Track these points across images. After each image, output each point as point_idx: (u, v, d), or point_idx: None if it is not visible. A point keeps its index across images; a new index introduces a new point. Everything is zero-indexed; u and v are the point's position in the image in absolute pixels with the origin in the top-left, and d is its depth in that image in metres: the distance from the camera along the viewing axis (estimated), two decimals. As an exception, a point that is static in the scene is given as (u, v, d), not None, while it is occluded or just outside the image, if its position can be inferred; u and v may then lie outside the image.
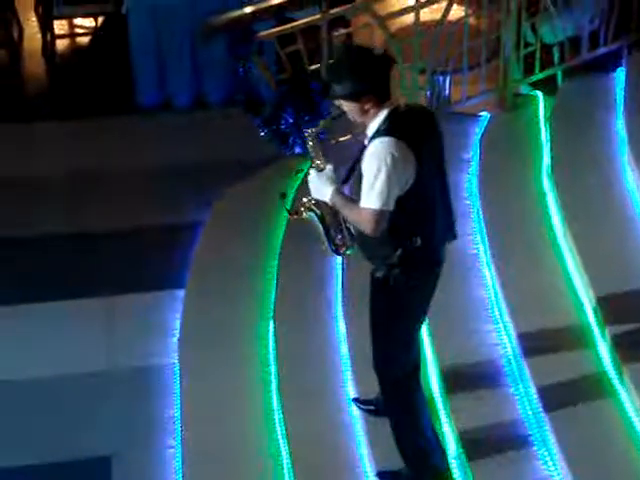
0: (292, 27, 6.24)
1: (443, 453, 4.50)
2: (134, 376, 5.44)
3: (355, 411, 4.87)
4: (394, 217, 3.97)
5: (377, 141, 3.94)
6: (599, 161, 5.88)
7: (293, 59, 6.27)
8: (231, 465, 4.83)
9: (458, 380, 4.75)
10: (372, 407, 4.72)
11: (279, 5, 6.59)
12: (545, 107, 6.52)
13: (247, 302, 5.71)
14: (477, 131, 6.41)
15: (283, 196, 4.38)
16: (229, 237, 6.20)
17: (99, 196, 6.72)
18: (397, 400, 4.36)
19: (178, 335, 5.60)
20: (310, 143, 4.16)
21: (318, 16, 6.19)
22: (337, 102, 4.06)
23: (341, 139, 6.00)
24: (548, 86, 6.66)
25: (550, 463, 4.43)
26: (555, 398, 4.54)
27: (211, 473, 4.81)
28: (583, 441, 4.39)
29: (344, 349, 5.19)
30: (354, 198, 4.07)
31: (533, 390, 4.63)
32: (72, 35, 8.35)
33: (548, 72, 6.64)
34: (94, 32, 8.31)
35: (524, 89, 6.69)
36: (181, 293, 5.84)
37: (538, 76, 6.63)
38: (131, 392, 5.35)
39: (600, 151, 5.96)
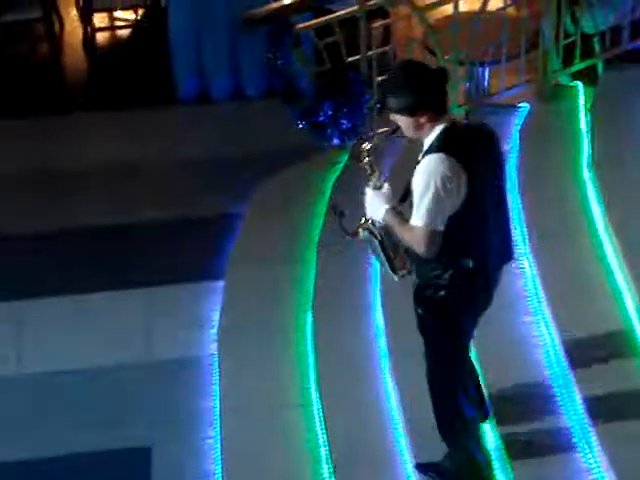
0: (330, 19, 6.23)
1: (485, 449, 4.45)
2: (173, 367, 5.47)
3: (394, 404, 4.87)
4: (445, 237, 3.90)
5: (428, 157, 3.87)
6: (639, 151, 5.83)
7: (331, 51, 6.26)
8: (268, 456, 4.85)
9: (499, 374, 4.71)
10: None
11: (317, -4, 6.57)
12: (585, 98, 6.47)
13: (286, 293, 5.73)
14: (516, 122, 6.38)
15: (342, 214, 4.20)
16: (268, 228, 6.21)
17: (139, 187, 6.77)
18: (447, 408, 4.30)
19: (217, 326, 5.62)
20: (366, 159, 4.11)
21: (356, 7, 6.17)
22: (392, 117, 3.98)
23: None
24: (588, 77, 6.61)
25: (593, 464, 4.38)
26: (599, 402, 4.48)
27: (249, 465, 4.83)
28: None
29: (382, 341, 5.19)
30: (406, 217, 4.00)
31: (577, 395, 4.58)
32: (112, 28, 8.41)
33: (588, 62, 6.59)
34: (134, 24, 8.36)
35: (564, 80, 6.64)
36: (220, 284, 5.87)
37: (578, 66, 6.57)
38: (170, 383, 5.38)
39: (641, 142, 5.91)
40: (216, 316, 5.70)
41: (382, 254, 4.14)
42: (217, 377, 5.34)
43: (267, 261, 5.92)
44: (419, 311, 4.18)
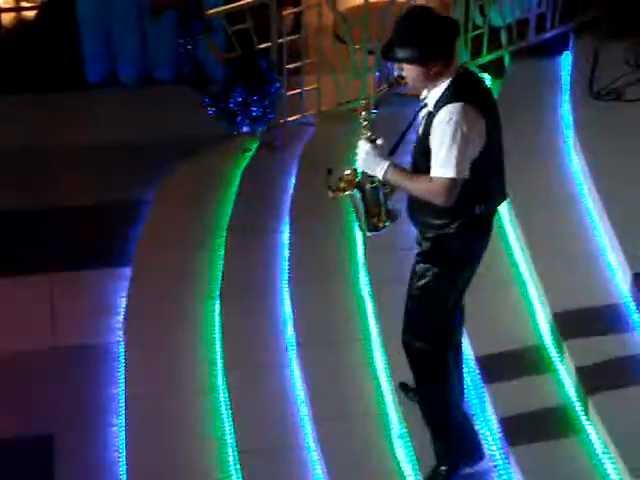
0: (241, 5, 6.20)
1: (477, 437, 4.39)
2: (78, 354, 5.41)
3: (300, 392, 4.89)
4: (462, 186, 3.85)
5: (450, 107, 3.79)
6: (544, 145, 5.94)
7: (242, 37, 6.24)
8: (174, 445, 4.83)
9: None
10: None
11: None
12: (492, 89, 6.55)
13: (194, 280, 5.70)
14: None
15: (329, 171, 4.08)
16: (176, 214, 6.18)
17: (45, 172, 6.66)
18: (429, 371, 4.23)
19: (123, 313, 5.57)
20: (362, 113, 3.99)
21: (267, -6, 6.15)
22: (397, 65, 3.90)
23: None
24: (495, 69, 6.71)
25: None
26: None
27: (154, 453, 4.80)
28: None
29: (289, 328, 5.21)
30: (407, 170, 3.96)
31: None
32: (18, 9, 8.23)
33: (495, 55, 6.69)
34: (40, 6, 8.19)
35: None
36: (127, 271, 5.82)
37: (486, 59, 6.67)
38: (75, 371, 5.32)
39: (546, 135, 6.02)
40: (123, 303, 5.64)
41: (363, 210, 4.08)
42: (122, 364, 5.30)
43: (175, 247, 5.89)
44: (418, 265, 4.09)
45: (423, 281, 4.09)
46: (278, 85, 6.29)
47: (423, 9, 3.96)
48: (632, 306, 4.86)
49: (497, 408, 4.53)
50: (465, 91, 3.85)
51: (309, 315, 5.20)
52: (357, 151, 4.01)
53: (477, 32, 6.58)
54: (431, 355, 4.20)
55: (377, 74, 6.53)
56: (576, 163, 5.74)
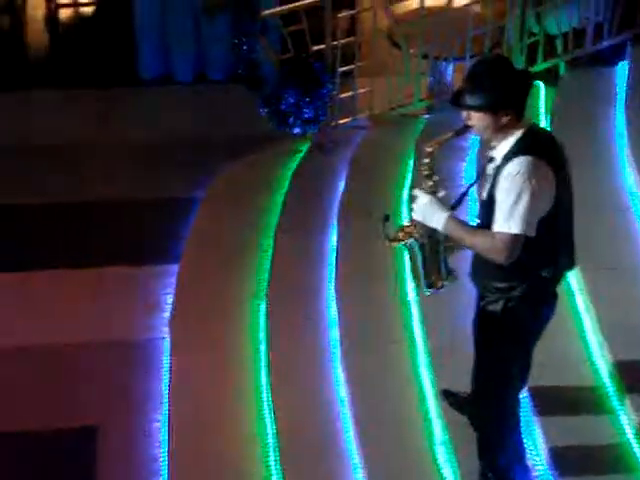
0: (296, 6, 6.22)
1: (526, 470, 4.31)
2: (124, 350, 5.44)
3: (343, 394, 4.88)
4: (527, 245, 3.69)
5: (518, 160, 3.65)
6: (597, 155, 5.89)
7: (296, 39, 6.25)
8: (216, 442, 4.84)
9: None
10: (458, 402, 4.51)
11: (285, -16, 6.56)
12: (546, 98, 6.52)
13: (241, 279, 5.72)
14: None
15: (387, 219, 3.89)
16: (226, 213, 6.21)
17: (97, 167, 6.72)
18: (495, 423, 4.13)
19: (170, 310, 5.60)
20: (426, 160, 3.82)
21: (323, -4, 6.16)
22: (466, 114, 3.73)
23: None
24: (550, 77, 6.66)
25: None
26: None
27: (196, 451, 4.82)
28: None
29: (335, 330, 5.21)
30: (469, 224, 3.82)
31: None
32: (76, 4, 8.33)
33: (551, 63, 6.64)
34: (98, 2, 8.28)
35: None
36: (175, 268, 5.85)
37: (541, 66, 6.63)
38: (121, 365, 5.35)
39: (599, 145, 5.97)
40: (170, 300, 5.67)
41: (421, 265, 3.91)
42: (167, 360, 5.33)
43: (223, 246, 5.92)
44: (483, 322, 3.97)
45: (487, 346, 3.98)
46: (331, 87, 6.30)
47: (499, 57, 3.88)
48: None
49: (547, 441, 4.42)
50: (536, 145, 3.71)
51: (354, 317, 5.19)
52: (415, 202, 3.84)
53: (533, 39, 6.54)
54: (495, 415, 4.13)
55: (430, 79, 6.51)
56: (630, 176, 5.68)
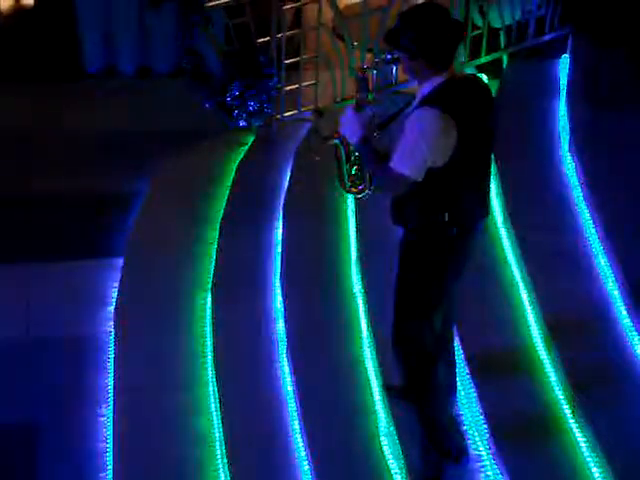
0: (241, -1, 6.20)
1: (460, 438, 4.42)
2: (69, 343, 5.40)
3: (290, 386, 4.89)
4: (425, 188, 3.88)
5: (424, 109, 3.80)
6: (541, 146, 5.95)
7: (241, 31, 6.24)
8: (162, 437, 4.82)
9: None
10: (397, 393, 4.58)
11: (229, -24, 6.53)
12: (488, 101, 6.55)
13: (186, 272, 5.70)
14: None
15: (320, 114, 4.18)
16: (169, 207, 6.18)
17: (38, 160, 6.66)
18: (421, 374, 4.24)
19: (114, 304, 5.57)
20: (361, 76, 3.99)
21: (268, -11, 6.15)
22: (395, 51, 3.91)
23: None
24: (494, 70, 6.72)
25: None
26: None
27: (142, 444, 4.80)
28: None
29: (280, 323, 5.21)
30: (379, 151, 3.96)
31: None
32: (17, -4, 8.23)
33: (494, 56, 6.70)
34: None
35: (470, 72, 6.73)
36: (120, 262, 5.81)
37: (484, 59, 6.68)
38: (65, 360, 5.31)
39: (542, 137, 6.03)
40: (114, 294, 5.64)
41: (343, 167, 4.11)
42: (112, 355, 5.29)
43: (168, 239, 5.89)
44: (400, 257, 4.15)
45: (404, 273, 4.13)
46: (276, 80, 6.29)
47: (437, 6, 3.94)
48: (623, 310, 4.87)
49: (485, 408, 4.53)
50: (448, 98, 3.82)
51: (300, 311, 5.20)
52: (343, 112, 4.00)
53: (476, 33, 6.59)
54: (419, 357, 4.21)
55: (374, 72, 6.52)
56: (571, 165, 5.75)
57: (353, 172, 4.14)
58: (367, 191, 4.16)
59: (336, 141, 4.09)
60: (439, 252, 4.07)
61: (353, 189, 4.17)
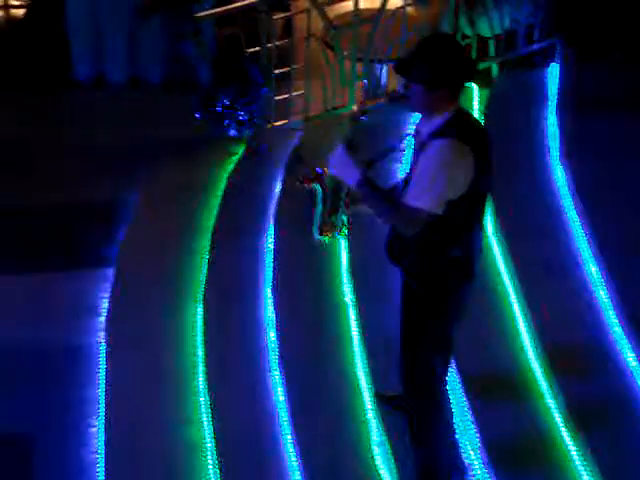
0: (231, 9, 6.22)
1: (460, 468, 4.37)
2: (60, 354, 5.38)
3: (281, 397, 4.89)
4: (438, 223, 3.78)
5: (442, 141, 3.72)
6: (530, 155, 5.97)
7: (231, 41, 6.25)
8: (154, 447, 4.81)
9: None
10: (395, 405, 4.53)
11: (219, -14, 6.56)
12: (480, 99, 6.59)
13: (177, 282, 5.70)
14: (411, 121, 6.45)
15: (300, 159, 4.08)
16: (160, 217, 6.17)
17: (30, 170, 6.64)
18: (426, 403, 4.18)
19: (105, 314, 5.56)
20: (352, 118, 3.94)
21: (258, -1, 6.17)
22: (407, 85, 3.80)
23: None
24: (483, 78, 6.74)
25: None
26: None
27: (133, 455, 4.79)
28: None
29: (271, 333, 5.21)
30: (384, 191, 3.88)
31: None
32: (6, 7, 8.22)
33: (483, 65, 6.72)
34: (29, 4, 8.18)
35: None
36: (110, 272, 5.80)
37: (473, 68, 6.69)
38: (56, 371, 5.30)
39: (531, 145, 6.05)
40: (105, 304, 5.63)
41: (319, 210, 4.02)
42: (103, 365, 5.28)
43: (158, 249, 5.89)
44: (404, 294, 4.07)
45: (408, 313, 4.07)
46: (266, 90, 6.31)
47: (450, 37, 3.94)
48: (614, 318, 4.88)
49: (481, 428, 4.50)
50: (463, 129, 3.77)
51: (291, 320, 5.20)
52: (332, 153, 3.90)
53: (465, 42, 6.61)
54: (426, 392, 4.17)
55: (365, 82, 6.54)
56: (560, 174, 5.77)
57: (330, 219, 4.04)
58: (336, 235, 4.08)
59: (312, 186, 4.00)
60: (455, 290, 3.98)
61: (326, 234, 4.06)
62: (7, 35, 7.93)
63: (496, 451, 4.40)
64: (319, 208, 4.04)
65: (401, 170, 4.18)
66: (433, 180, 3.71)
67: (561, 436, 4.47)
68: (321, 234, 4.09)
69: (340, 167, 3.87)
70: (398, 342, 4.18)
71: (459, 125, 3.78)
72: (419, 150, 3.83)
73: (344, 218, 4.06)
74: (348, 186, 3.92)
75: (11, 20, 8.13)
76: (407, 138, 4.02)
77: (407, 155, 4.01)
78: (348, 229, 4.09)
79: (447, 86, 3.75)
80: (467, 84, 6.58)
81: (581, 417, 4.44)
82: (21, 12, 8.18)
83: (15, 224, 6.22)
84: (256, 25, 6.21)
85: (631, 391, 4.57)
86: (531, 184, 5.72)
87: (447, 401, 4.27)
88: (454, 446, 4.36)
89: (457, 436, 4.43)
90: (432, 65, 3.72)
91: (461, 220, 3.86)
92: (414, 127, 3.96)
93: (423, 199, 3.74)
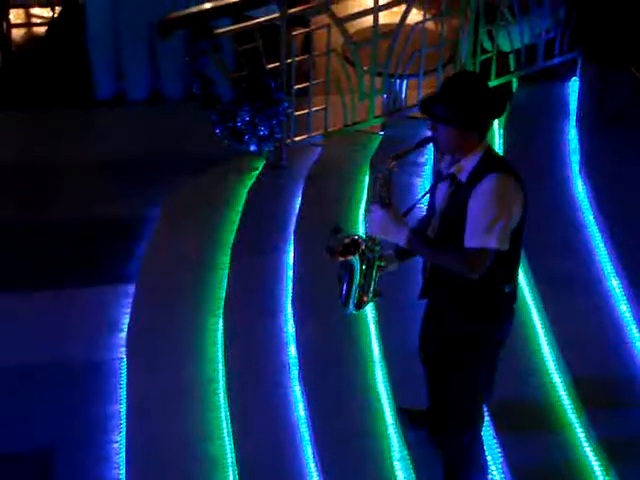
0: (250, 25, 6.23)
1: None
2: (81, 370, 5.40)
3: (302, 411, 4.88)
4: (499, 259, 3.68)
5: (494, 176, 3.65)
6: (551, 169, 5.95)
7: (251, 57, 6.26)
8: (175, 463, 4.81)
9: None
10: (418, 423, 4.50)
11: (238, 2, 6.57)
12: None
13: (198, 298, 5.70)
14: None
15: (337, 231, 3.80)
16: (181, 232, 6.18)
17: (51, 188, 6.67)
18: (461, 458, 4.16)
19: (126, 330, 5.57)
20: (380, 176, 3.76)
21: (277, 15, 6.18)
22: (432, 124, 3.73)
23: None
24: (503, 93, 6.71)
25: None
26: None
27: (154, 470, 4.79)
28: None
29: (291, 348, 5.20)
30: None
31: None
32: (28, 24, 8.28)
33: (503, 79, 6.71)
34: (50, 22, 8.24)
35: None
36: (131, 288, 5.81)
37: (493, 83, 6.68)
38: (78, 386, 5.31)
39: (552, 160, 6.03)
40: (126, 319, 5.64)
41: (356, 282, 3.84)
42: (124, 381, 5.29)
43: (179, 265, 5.89)
44: (442, 347, 3.94)
45: (452, 367, 3.96)
46: (286, 105, 6.31)
47: (477, 76, 3.89)
48: (636, 333, 4.85)
49: (506, 453, 4.45)
50: (501, 163, 3.74)
51: (312, 335, 5.19)
52: (371, 215, 3.77)
53: (485, 56, 6.60)
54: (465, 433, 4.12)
55: (384, 96, 6.54)
56: (582, 189, 5.74)
57: (370, 288, 3.87)
58: (370, 302, 3.95)
59: (353, 259, 3.78)
60: (502, 328, 3.90)
61: (363, 302, 3.93)
62: (29, 52, 7.98)
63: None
64: (357, 281, 3.85)
65: (419, 193, 4.05)
66: (494, 216, 3.63)
67: (585, 455, 4.44)
68: (358, 308, 3.95)
69: (384, 229, 3.75)
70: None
71: (497, 161, 3.75)
72: (459, 193, 3.73)
73: (377, 283, 3.91)
74: (381, 251, 3.82)
75: (33, 37, 8.18)
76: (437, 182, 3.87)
77: (423, 188, 3.92)
78: (379, 293, 3.95)
79: (480, 127, 3.71)
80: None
81: (610, 446, 4.38)
82: (43, 29, 8.25)
83: (36, 240, 6.25)
84: (276, 41, 6.22)
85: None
86: (552, 199, 5.69)
87: (482, 450, 4.20)
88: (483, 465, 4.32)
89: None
90: (464, 106, 3.65)
91: (515, 253, 3.79)
92: (435, 168, 3.92)
93: (486, 238, 3.64)
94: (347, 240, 3.80)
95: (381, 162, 3.85)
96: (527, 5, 6.55)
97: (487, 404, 4.26)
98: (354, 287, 3.88)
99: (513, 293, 3.89)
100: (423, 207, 4.05)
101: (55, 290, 5.87)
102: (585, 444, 4.49)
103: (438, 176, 3.90)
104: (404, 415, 4.60)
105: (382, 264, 3.90)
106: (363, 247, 3.81)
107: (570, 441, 4.51)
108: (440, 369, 4.02)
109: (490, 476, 4.41)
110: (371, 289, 3.92)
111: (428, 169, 6.13)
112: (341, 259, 3.80)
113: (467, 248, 3.68)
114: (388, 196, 3.76)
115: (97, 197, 6.56)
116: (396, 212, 3.77)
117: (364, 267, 3.83)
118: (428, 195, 3.94)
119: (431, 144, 3.86)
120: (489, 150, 3.78)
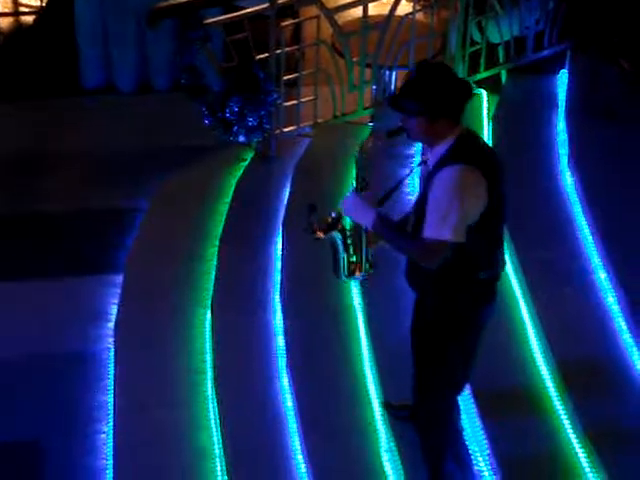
0: (240, 15, 6.21)
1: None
2: (68, 360, 5.39)
3: (290, 402, 4.88)
4: (461, 250, 3.72)
5: (452, 167, 3.67)
6: (540, 162, 5.96)
7: (240, 47, 6.25)
8: (163, 453, 4.81)
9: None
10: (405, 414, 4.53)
11: (228, -8, 6.56)
12: (489, 106, 6.58)
13: (185, 289, 5.70)
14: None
15: (313, 209, 3.92)
16: (170, 223, 6.17)
17: (39, 177, 6.65)
18: (437, 424, 4.20)
19: (114, 321, 5.56)
20: (358, 160, 3.89)
21: (266, 5, 6.16)
22: (402, 117, 3.77)
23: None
24: (492, 85, 6.73)
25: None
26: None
27: (142, 461, 4.79)
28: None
29: (280, 340, 5.20)
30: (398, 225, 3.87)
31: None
32: (16, 13, 8.25)
33: (493, 71, 6.71)
34: (39, 11, 8.21)
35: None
36: (119, 278, 5.80)
37: (483, 75, 6.69)
38: (65, 377, 5.30)
39: (541, 152, 6.04)
40: (114, 310, 5.63)
41: (342, 256, 3.98)
42: (112, 371, 5.28)
43: (167, 256, 5.88)
44: (424, 331, 4.00)
45: (429, 348, 4.01)
46: (275, 96, 6.30)
47: (439, 65, 3.90)
48: (623, 325, 4.87)
49: (493, 443, 4.47)
50: (469, 153, 3.73)
51: (300, 326, 5.19)
52: (344, 198, 3.89)
53: (474, 48, 6.60)
54: (437, 415, 4.16)
55: (374, 87, 6.54)
56: (570, 181, 5.75)
57: (354, 259, 3.99)
58: (364, 273, 4.04)
59: (334, 235, 3.94)
60: (479, 313, 3.94)
61: (355, 274, 4.03)
62: (17, 41, 7.95)
63: (508, 463, 4.37)
64: (342, 254, 3.98)
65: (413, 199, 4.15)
66: (448, 210, 3.65)
67: (571, 444, 4.47)
68: (350, 276, 4.04)
69: (354, 211, 3.86)
70: (408, 347, 4.17)
71: (466, 149, 3.74)
72: (427, 180, 3.79)
73: (368, 255, 4.01)
74: (366, 227, 3.89)
75: (21, 26, 8.15)
76: (415, 168, 3.98)
77: (416, 184, 3.96)
78: (373, 264, 4.03)
79: (447, 114, 3.72)
80: (476, 91, 6.60)
81: (596, 434, 4.41)
82: (31, 19, 8.21)
83: (24, 230, 6.23)
84: (265, 31, 6.21)
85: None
86: (540, 191, 5.70)
87: (456, 419, 4.24)
88: (463, 448, 4.36)
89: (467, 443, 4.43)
90: (428, 97, 3.69)
91: (484, 243, 3.81)
92: (421, 156, 3.94)
93: (441, 230, 3.68)
94: (327, 219, 3.94)
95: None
96: (516, -4, 6.56)
97: (466, 384, 4.29)
98: (341, 258, 4.00)
99: (490, 279, 3.91)
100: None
101: (42, 280, 5.86)
102: (571, 433, 4.51)
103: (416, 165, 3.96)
104: (388, 407, 4.62)
105: (366, 236, 3.98)
106: (342, 224, 3.93)
107: (556, 430, 4.53)
108: (418, 353, 4.07)
109: (476, 467, 4.43)
110: (363, 261, 4.00)
111: (417, 160, 6.13)
112: (322, 235, 3.94)
113: (423, 238, 3.73)
114: (364, 179, 3.86)
115: (85, 187, 6.54)
116: (370, 196, 3.84)
117: (347, 238, 3.96)
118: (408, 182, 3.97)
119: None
120: (463, 137, 3.76)
